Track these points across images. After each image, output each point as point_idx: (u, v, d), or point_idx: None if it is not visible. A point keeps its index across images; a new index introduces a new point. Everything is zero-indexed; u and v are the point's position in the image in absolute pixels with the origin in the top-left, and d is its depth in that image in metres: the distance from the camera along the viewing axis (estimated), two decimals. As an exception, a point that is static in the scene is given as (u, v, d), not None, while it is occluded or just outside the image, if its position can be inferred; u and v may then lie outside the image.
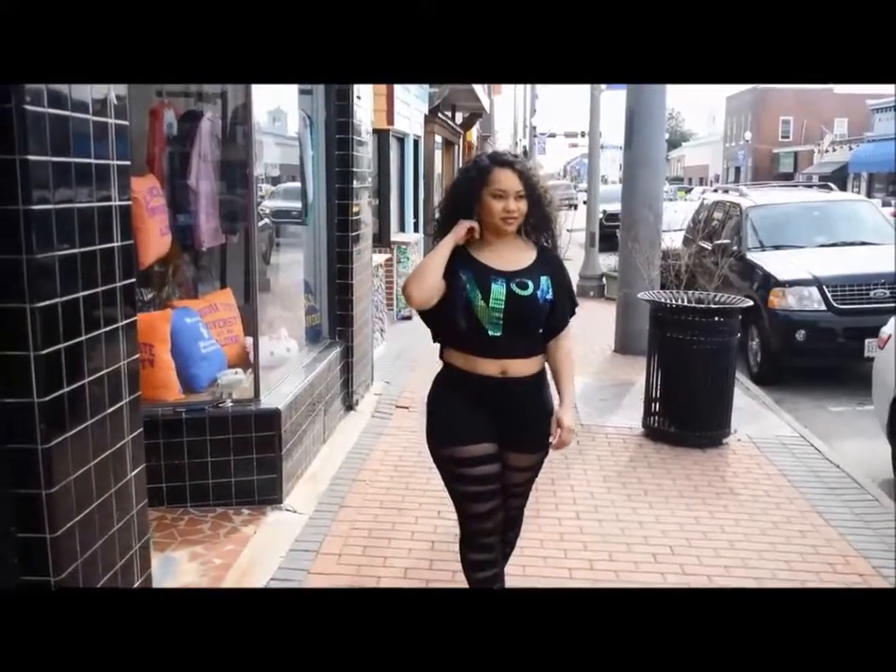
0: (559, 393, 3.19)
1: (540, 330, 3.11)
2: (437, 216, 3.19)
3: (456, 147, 22.16)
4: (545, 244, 3.17)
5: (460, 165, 23.28)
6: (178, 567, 4.04)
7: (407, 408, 7.03)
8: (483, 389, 3.04)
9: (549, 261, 3.14)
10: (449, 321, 3.02)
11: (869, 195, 35.84)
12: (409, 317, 11.35)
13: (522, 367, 3.05)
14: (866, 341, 7.65)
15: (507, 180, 2.92)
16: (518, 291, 2.97)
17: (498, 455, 3.10)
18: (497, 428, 3.08)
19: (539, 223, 3.10)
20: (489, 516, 3.15)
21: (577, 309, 3.28)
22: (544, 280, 3.05)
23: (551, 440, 3.14)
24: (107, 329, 2.60)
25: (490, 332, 2.97)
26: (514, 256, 3.07)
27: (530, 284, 3.00)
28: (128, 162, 2.72)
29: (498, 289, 2.95)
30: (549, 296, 3.05)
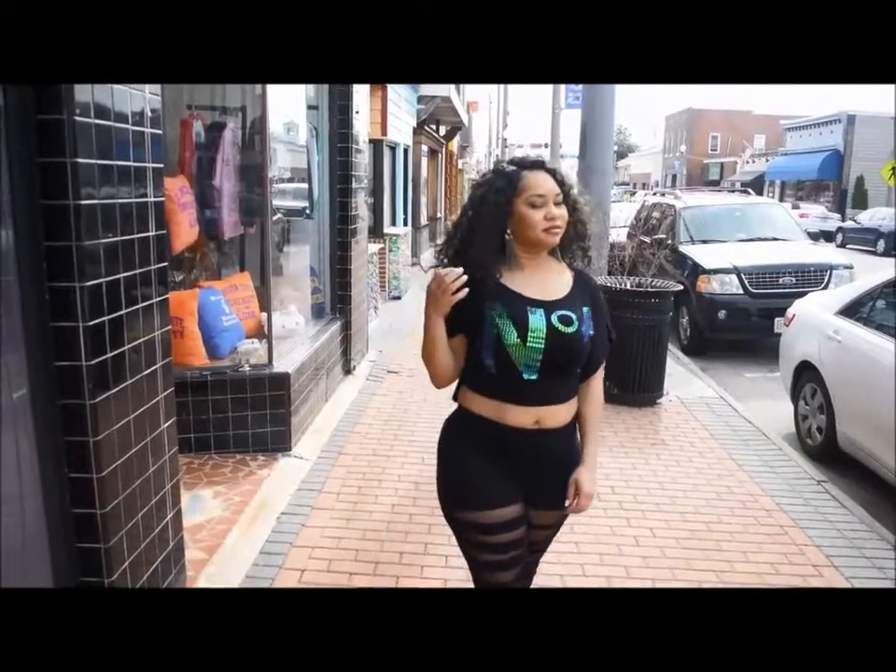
0: (582, 447, 2.24)
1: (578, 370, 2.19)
2: (449, 247, 2.15)
3: (440, 154, 22.03)
4: (580, 263, 2.24)
5: (443, 170, 23.17)
6: (204, 503, 4.05)
7: (396, 373, 7.04)
8: (512, 442, 2.11)
9: (588, 287, 2.21)
10: (475, 362, 2.11)
11: (781, 200, 36.03)
12: (399, 297, 11.35)
13: (558, 415, 2.14)
14: (775, 319, 7.74)
15: (543, 183, 2.06)
16: (561, 327, 2.06)
17: (525, 516, 2.19)
18: (523, 484, 2.16)
19: (576, 234, 2.18)
20: (510, 584, 2.21)
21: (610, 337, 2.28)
22: (586, 311, 2.14)
23: (567, 503, 2.18)
24: (144, 304, 2.59)
25: (525, 376, 2.06)
26: (550, 280, 2.15)
27: (574, 318, 2.09)
28: (162, 165, 2.70)
29: (538, 324, 2.04)
30: (591, 331, 2.14)
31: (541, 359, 2.05)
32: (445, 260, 2.13)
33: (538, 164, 2.11)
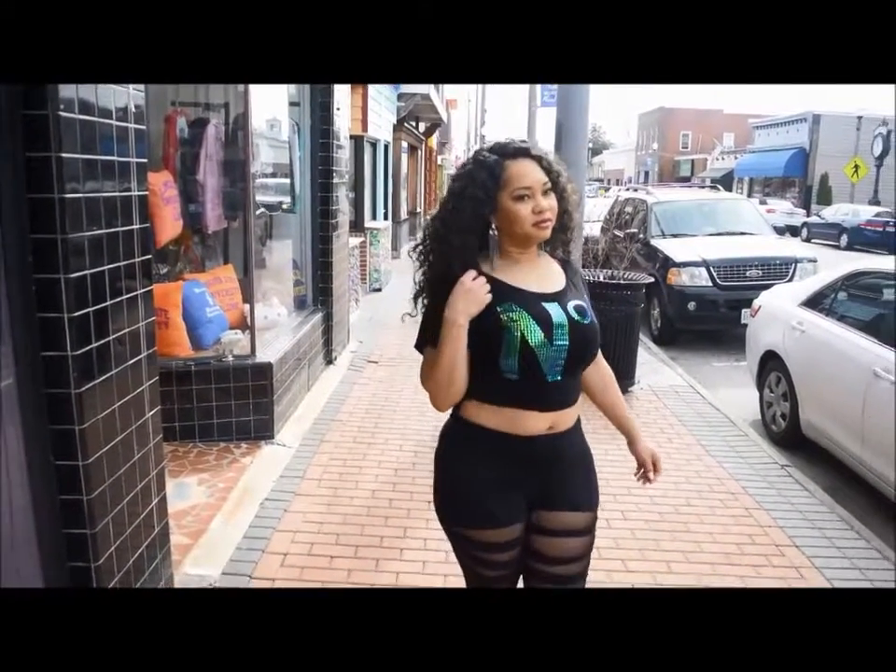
0: (626, 426, 2.20)
1: None
2: (426, 244, 1.93)
3: (419, 151, 21.97)
4: (562, 254, 2.03)
5: (423, 166, 23.10)
6: (189, 490, 4.04)
7: (377, 362, 7.05)
8: (523, 452, 1.90)
9: (577, 274, 2.04)
10: (489, 371, 1.85)
11: (749, 195, 36.27)
12: (379, 289, 11.34)
13: (569, 417, 1.95)
14: (742, 311, 7.81)
15: (529, 173, 1.84)
16: (579, 319, 1.88)
17: (524, 535, 1.96)
18: (535, 493, 1.94)
19: (561, 225, 1.95)
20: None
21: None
22: (587, 299, 1.98)
23: (650, 475, 2.21)
24: (128, 296, 2.57)
25: (549, 378, 1.85)
26: (546, 273, 1.96)
27: (586, 307, 1.92)
28: (145, 160, 2.68)
29: (560, 319, 1.85)
30: (595, 318, 1.96)
31: (566, 357, 1.85)
32: (422, 258, 1.94)
33: (521, 152, 1.86)
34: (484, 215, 1.85)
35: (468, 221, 1.84)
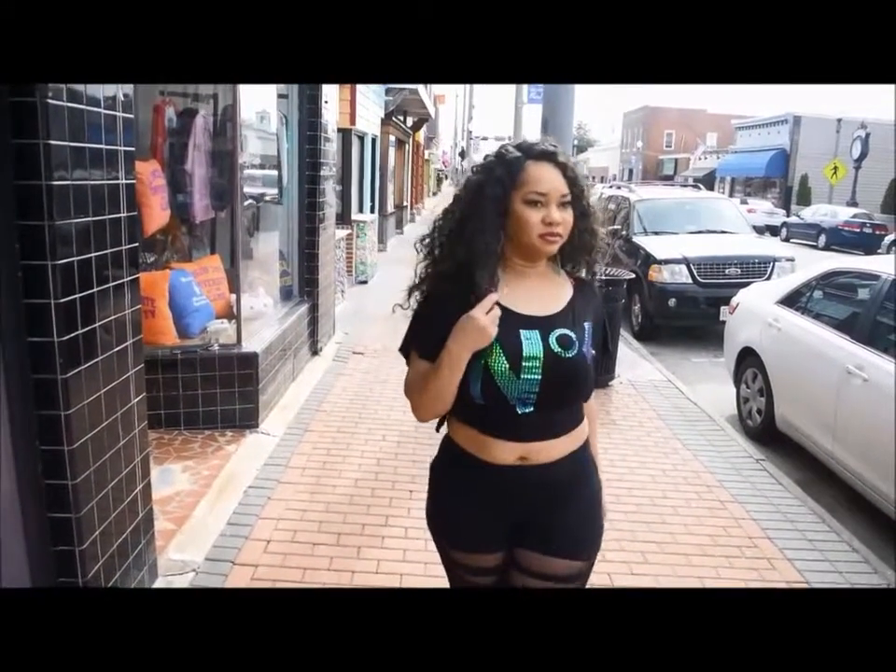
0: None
1: None
2: (435, 241, 1.78)
3: (407, 145, 21.92)
4: (583, 274, 1.85)
5: (410, 160, 23.05)
6: (173, 476, 4.04)
7: (362, 353, 7.05)
8: (496, 480, 1.75)
9: (591, 299, 1.83)
10: (462, 394, 1.71)
11: (730, 195, 36.53)
12: (365, 282, 11.32)
13: (552, 449, 1.74)
14: (721, 308, 7.84)
15: (547, 179, 1.66)
16: (560, 352, 1.68)
17: (504, 565, 1.84)
18: (508, 526, 1.80)
19: (582, 244, 1.78)
20: None
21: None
22: (588, 327, 1.76)
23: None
24: (114, 283, 2.57)
25: (519, 410, 1.69)
26: (546, 292, 1.77)
27: (574, 339, 1.71)
28: (133, 149, 2.66)
29: (533, 349, 1.67)
30: (593, 350, 1.78)
31: (538, 392, 1.68)
32: (426, 250, 1.79)
33: (546, 155, 1.69)
34: (499, 215, 1.68)
35: (483, 219, 1.68)
